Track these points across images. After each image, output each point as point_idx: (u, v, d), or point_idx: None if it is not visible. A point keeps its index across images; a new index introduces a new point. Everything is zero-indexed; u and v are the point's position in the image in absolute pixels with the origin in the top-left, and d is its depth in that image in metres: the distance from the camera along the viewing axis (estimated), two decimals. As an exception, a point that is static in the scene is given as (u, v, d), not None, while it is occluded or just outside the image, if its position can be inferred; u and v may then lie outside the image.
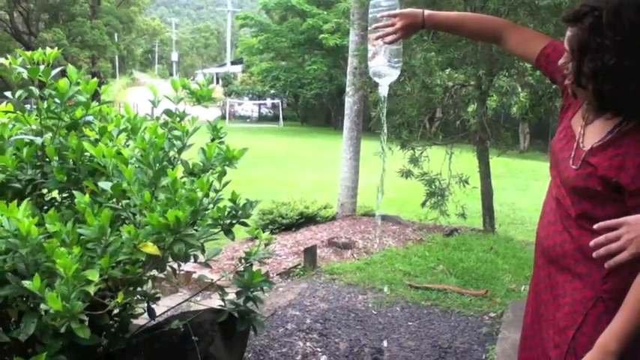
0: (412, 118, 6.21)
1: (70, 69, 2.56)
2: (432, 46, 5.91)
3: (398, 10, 1.72)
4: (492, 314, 3.72)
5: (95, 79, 2.65)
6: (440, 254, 5.07)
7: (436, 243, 5.61)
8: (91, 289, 1.75)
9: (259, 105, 34.16)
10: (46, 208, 2.36)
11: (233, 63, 42.94)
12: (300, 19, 26.88)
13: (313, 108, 30.87)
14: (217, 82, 39.11)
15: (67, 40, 26.46)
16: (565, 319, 1.42)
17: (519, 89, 6.73)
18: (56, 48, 2.50)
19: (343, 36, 21.39)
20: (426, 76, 6.00)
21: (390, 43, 1.71)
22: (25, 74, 2.40)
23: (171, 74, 62.82)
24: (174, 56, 62.28)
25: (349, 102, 7.11)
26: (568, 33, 1.37)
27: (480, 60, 5.98)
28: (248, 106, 34.45)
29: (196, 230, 2.29)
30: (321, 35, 24.85)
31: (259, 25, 29.67)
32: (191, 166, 2.62)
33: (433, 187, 6.34)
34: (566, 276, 1.44)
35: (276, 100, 32.17)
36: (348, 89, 7.07)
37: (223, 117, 29.04)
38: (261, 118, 33.19)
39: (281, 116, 30.73)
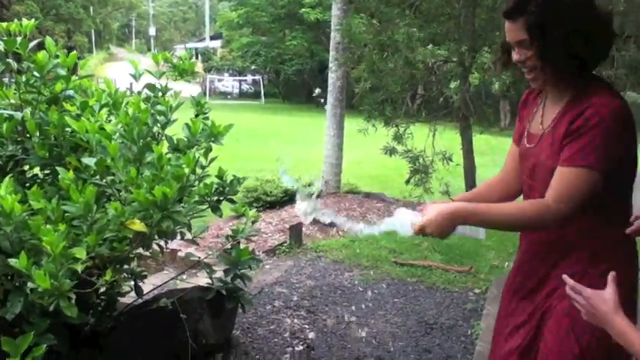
0: (395, 95, 6.17)
1: (49, 41, 2.48)
2: (415, 22, 5.86)
3: None
4: (477, 290, 3.77)
5: (73, 53, 2.57)
6: (424, 231, 5.10)
7: (420, 220, 5.63)
8: (79, 267, 1.72)
9: (240, 81, 33.73)
10: (27, 185, 2.29)
11: (212, 38, 42.17)
12: (280, -8, 26.43)
13: (294, 84, 30.56)
14: (197, 58, 38.48)
15: (42, 13, 25.68)
16: (559, 281, 1.44)
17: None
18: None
19: (324, 10, 21.13)
20: (409, 52, 5.95)
21: None
22: (0, 47, 2.31)
23: (149, 49, 61.52)
24: (152, 31, 60.95)
25: (332, 78, 7.04)
26: (512, 27, 1.42)
27: (462, 36, 5.95)
28: (229, 83, 33.99)
29: (183, 207, 2.25)
30: (302, 9, 24.51)
31: (238, -1, 29.14)
32: (176, 142, 2.57)
33: (417, 164, 6.33)
34: (559, 253, 1.48)
35: (257, 77, 31.78)
36: (331, 65, 7.00)
37: (204, 93, 28.65)
38: (242, 95, 32.80)
39: (262, 93, 30.42)
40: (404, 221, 1.54)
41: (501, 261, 4.34)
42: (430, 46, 6.54)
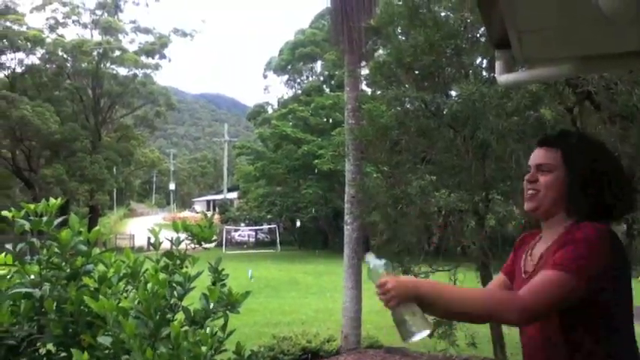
0: (412, 246, 6.19)
1: (73, 218, 2.55)
2: (427, 175, 6.05)
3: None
4: None
5: (96, 228, 2.65)
6: (453, 390, 4.79)
7: (448, 376, 5.32)
8: None
9: (256, 231, 34.24)
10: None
11: (229, 190, 43.61)
12: (294, 146, 27.79)
13: (310, 231, 30.91)
14: (214, 209, 39.49)
15: (67, 175, 26.82)
16: None
17: (516, 211, 6.79)
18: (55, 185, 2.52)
19: (337, 161, 22.03)
20: (423, 203, 6.08)
21: None
22: (27, 226, 2.39)
23: (168, 203, 63.61)
24: (172, 186, 63.44)
25: (348, 230, 7.13)
26: (540, 152, 1.53)
27: (474, 186, 6.09)
28: (245, 232, 34.50)
29: (199, 385, 2.15)
30: (316, 161, 25.57)
31: (255, 153, 30.63)
32: (192, 314, 2.53)
33: (440, 315, 6.14)
34: None
35: (273, 225, 32.30)
36: (346, 217, 7.12)
37: (220, 244, 28.95)
38: (258, 244, 33.10)
39: (278, 241, 30.69)
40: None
41: None
42: (443, 191, 6.69)
